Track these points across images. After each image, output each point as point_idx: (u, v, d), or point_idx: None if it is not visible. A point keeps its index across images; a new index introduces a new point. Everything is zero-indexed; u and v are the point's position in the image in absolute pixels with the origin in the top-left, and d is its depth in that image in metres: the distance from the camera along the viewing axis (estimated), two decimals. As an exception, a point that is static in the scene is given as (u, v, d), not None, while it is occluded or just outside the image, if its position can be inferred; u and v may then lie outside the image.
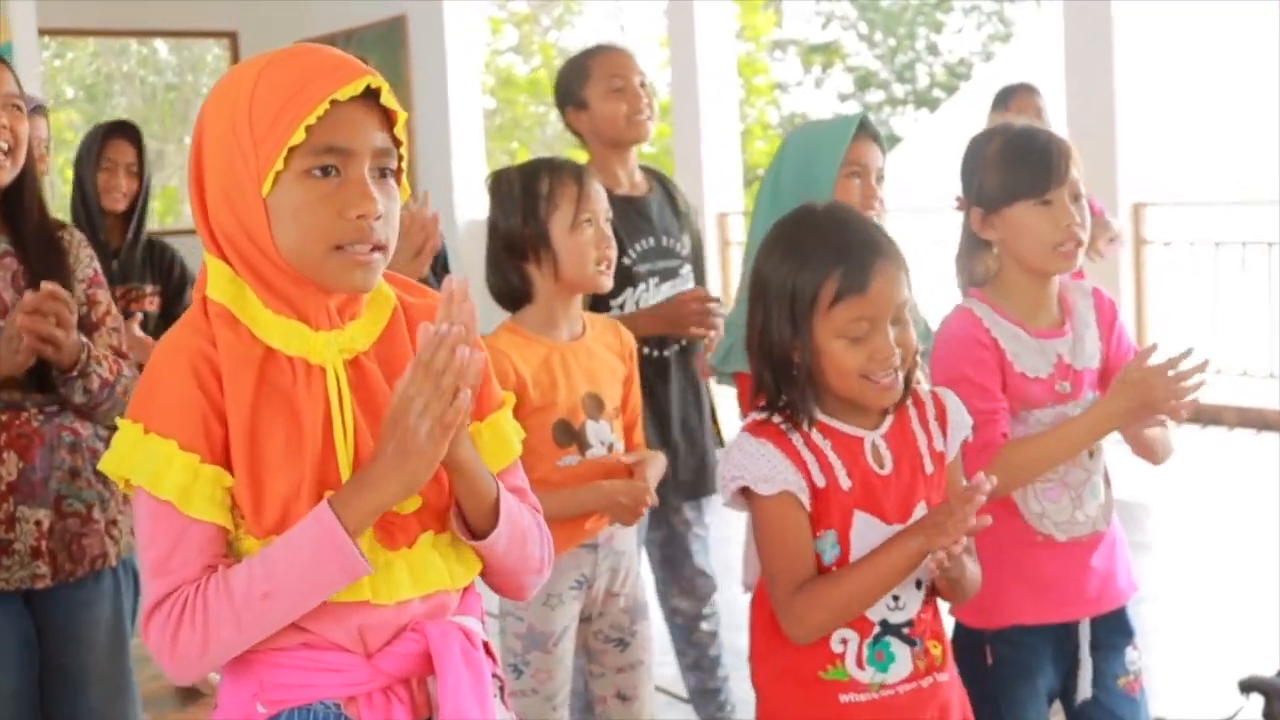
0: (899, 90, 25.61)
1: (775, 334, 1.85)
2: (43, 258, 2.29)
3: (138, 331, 3.22)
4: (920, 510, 1.88)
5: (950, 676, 1.93)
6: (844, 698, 1.85)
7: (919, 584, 1.89)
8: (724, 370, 2.83)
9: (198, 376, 1.44)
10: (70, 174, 3.99)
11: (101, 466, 1.47)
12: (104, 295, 2.39)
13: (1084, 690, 2.25)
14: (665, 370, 3.06)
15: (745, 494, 1.89)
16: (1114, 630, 2.28)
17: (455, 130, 10.70)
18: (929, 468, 1.92)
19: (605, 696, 2.58)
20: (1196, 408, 2.14)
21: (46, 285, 2.17)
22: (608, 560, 2.51)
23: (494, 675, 1.57)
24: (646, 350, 3.02)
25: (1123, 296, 7.04)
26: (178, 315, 3.90)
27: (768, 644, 1.93)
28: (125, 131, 3.94)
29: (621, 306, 2.98)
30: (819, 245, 1.84)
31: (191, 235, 1.52)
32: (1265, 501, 5.46)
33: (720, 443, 3.17)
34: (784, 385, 1.87)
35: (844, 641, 1.86)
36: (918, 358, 1.93)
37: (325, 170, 1.43)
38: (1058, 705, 2.31)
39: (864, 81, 25.54)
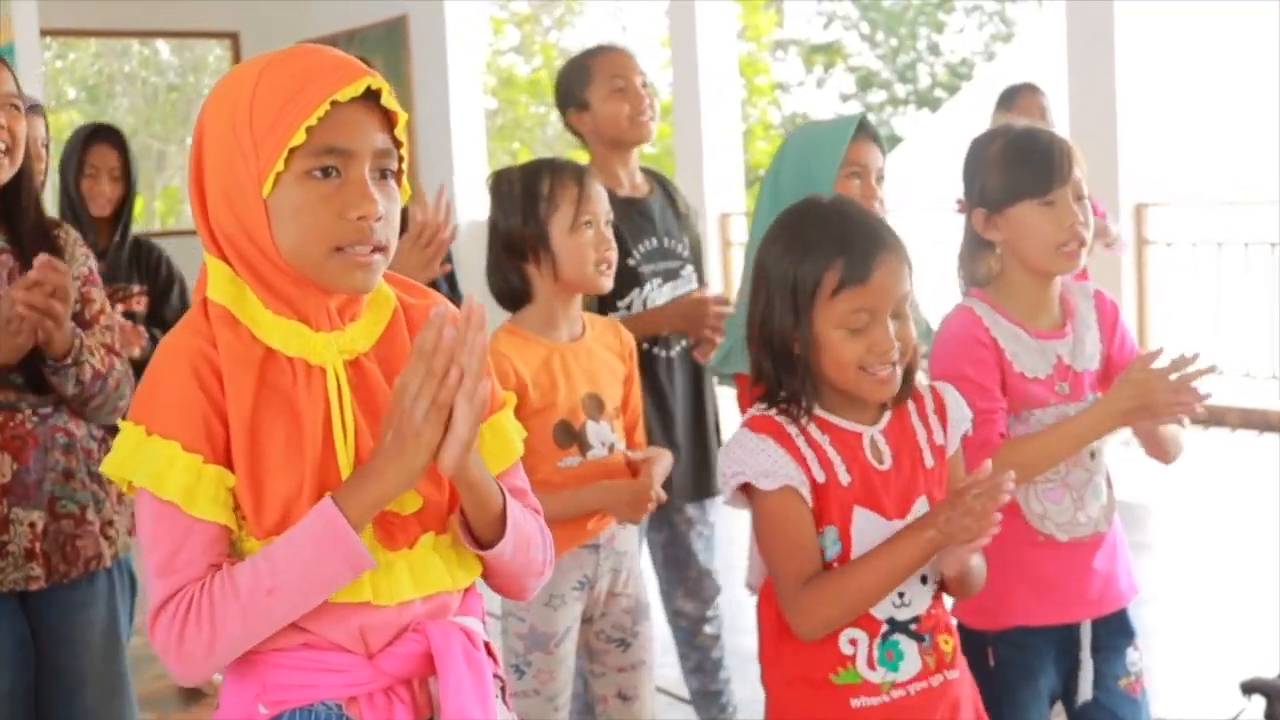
0: (900, 90, 25.61)
1: (776, 323, 1.85)
2: (38, 255, 2.30)
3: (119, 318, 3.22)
4: (920, 505, 1.88)
5: (961, 674, 1.92)
6: (855, 702, 1.84)
7: (924, 579, 1.88)
8: (724, 371, 2.83)
9: (199, 377, 1.44)
10: (135, 167, 3.98)
11: (103, 469, 1.47)
12: (98, 294, 2.40)
13: (1085, 692, 2.25)
14: (670, 370, 3.06)
15: (746, 492, 1.88)
16: (1115, 631, 2.28)
17: (456, 131, 10.70)
18: (929, 462, 1.91)
19: (606, 696, 2.58)
20: (1200, 411, 2.13)
21: (41, 258, 2.17)
22: (609, 560, 2.50)
23: (495, 676, 1.57)
24: (656, 350, 3.02)
25: (1125, 297, 7.03)
26: (165, 314, 3.92)
27: (777, 647, 1.92)
28: (107, 136, 3.92)
29: (629, 307, 2.98)
30: (823, 235, 1.84)
31: (193, 236, 1.52)
32: (1267, 503, 5.46)
33: (719, 443, 3.17)
34: (784, 375, 1.87)
35: (853, 643, 1.85)
36: (918, 355, 1.93)
37: (325, 171, 1.43)
38: (1058, 706, 2.31)
39: (865, 81, 25.54)
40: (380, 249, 1.46)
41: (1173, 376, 2.08)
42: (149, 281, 3.89)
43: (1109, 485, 2.30)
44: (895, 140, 20.40)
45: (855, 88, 25.59)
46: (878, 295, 1.82)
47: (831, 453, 1.86)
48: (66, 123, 15.46)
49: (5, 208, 2.34)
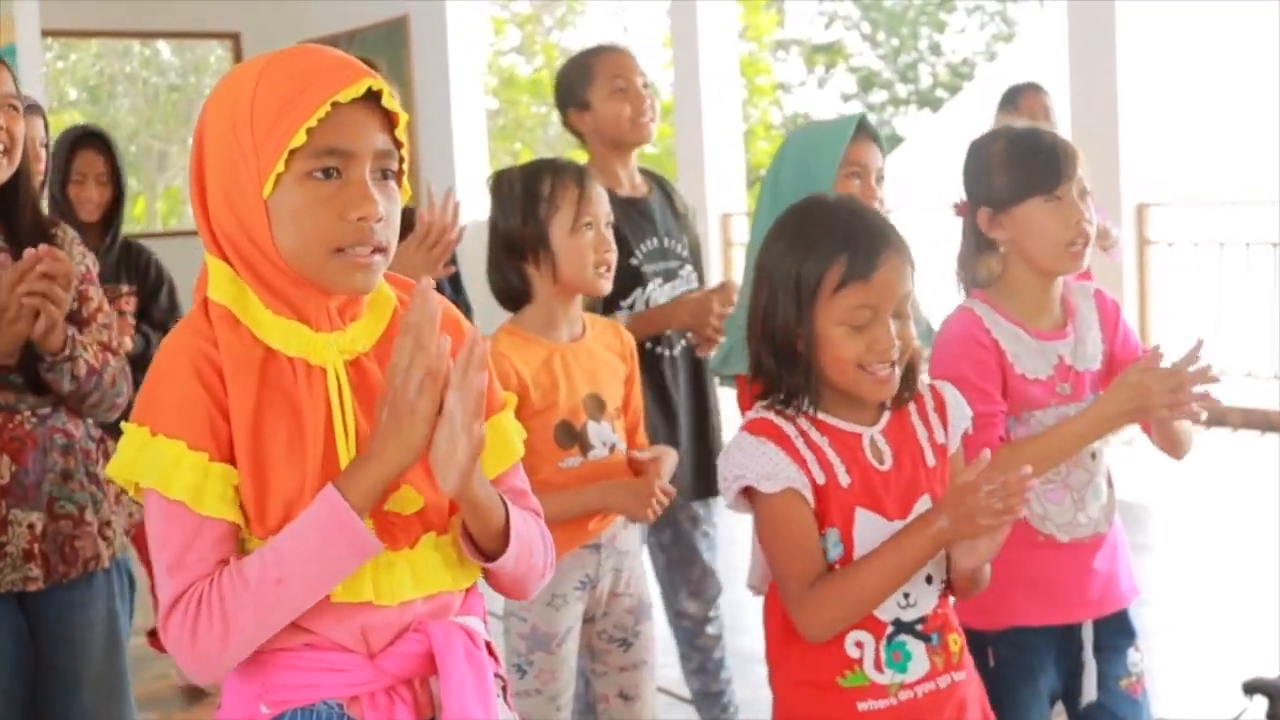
0: (902, 90, 25.61)
1: (779, 318, 1.85)
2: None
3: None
4: (922, 505, 1.87)
5: (968, 674, 1.92)
6: (862, 705, 1.84)
7: (929, 579, 1.88)
8: (724, 372, 2.83)
9: (201, 376, 1.44)
10: (123, 170, 3.98)
11: (109, 472, 1.47)
12: (95, 292, 2.40)
13: (1089, 693, 2.24)
14: (673, 369, 3.06)
15: (748, 495, 1.88)
16: (1116, 632, 2.28)
17: (458, 131, 10.71)
18: (931, 461, 1.91)
19: (608, 695, 2.58)
20: (1201, 411, 2.13)
21: (41, 247, 2.17)
22: (611, 560, 2.51)
23: (496, 675, 1.57)
24: (659, 350, 3.02)
25: (1126, 297, 7.03)
26: (153, 315, 3.92)
27: (783, 649, 1.91)
28: (93, 141, 3.91)
29: (631, 307, 2.98)
30: (827, 232, 1.84)
31: (194, 236, 1.52)
32: (1269, 503, 5.45)
33: (722, 442, 3.17)
34: (785, 372, 1.87)
35: (859, 645, 1.84)
36: (919, 356, 1.93)
37: (326, 172, 1.43)
38: (1058, 705, 2.31)
39: (867, 81, 25.54)
40: (380, 250, 1.47)
41: (1171, 380, 2.08)
42: (138, 283, 3.89)
43: (1110, 486, 2.30)
44: (897, 140, 20.40)
45: (856, 88, 25.59)
46: (880, 292, 1.82)
47: (831, 454, 1.86)
48: (68, 123, 15.46)
49: (3, 207, 2.34)
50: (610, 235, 2.49)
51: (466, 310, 2.99)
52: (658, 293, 3.04)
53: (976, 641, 2.17)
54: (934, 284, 2.59)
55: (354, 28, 11.33)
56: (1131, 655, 2.29)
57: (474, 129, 10.90)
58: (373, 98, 1.45)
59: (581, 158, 2.99)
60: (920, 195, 9.68)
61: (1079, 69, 7.39)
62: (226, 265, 1.48)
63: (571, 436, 2.42)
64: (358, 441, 1.47)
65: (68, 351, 2.23)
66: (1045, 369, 2.23)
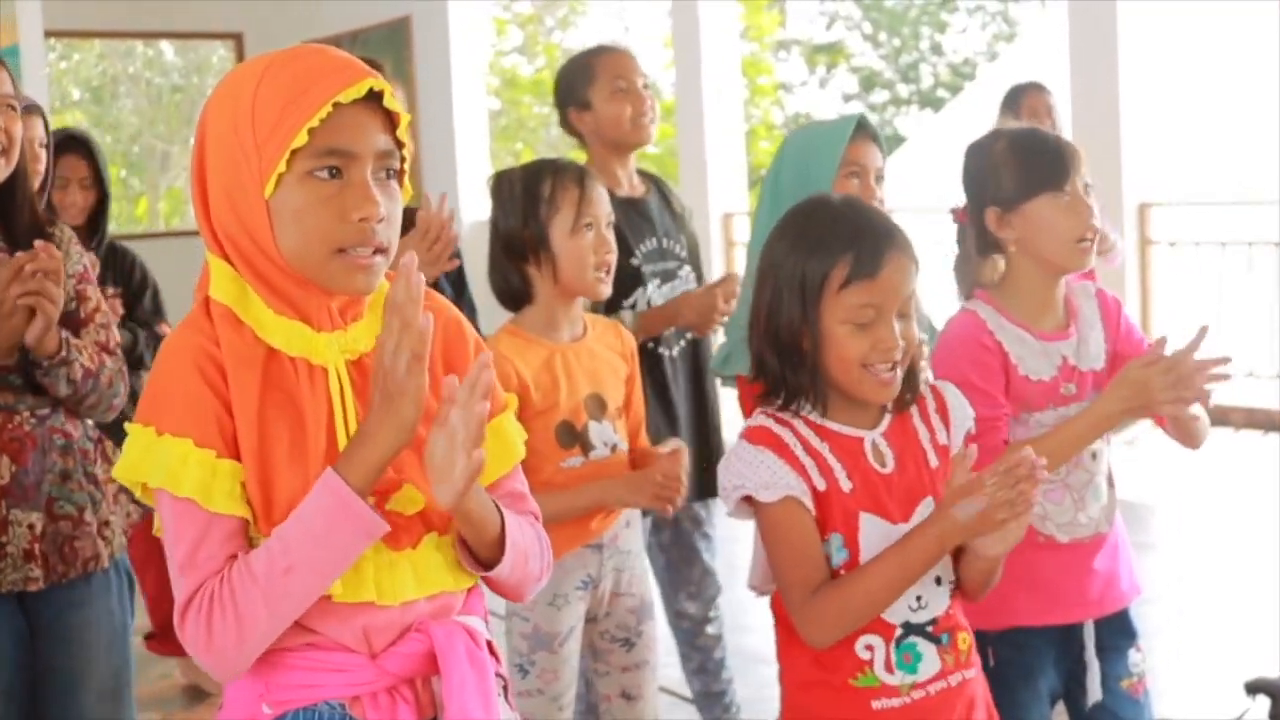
0: (903, 90, 25.60)
1: (783, 316, 1.85)
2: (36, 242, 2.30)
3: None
4: (925, 507, 1.86)
5: (976, 672, 1.92)
6: (876, 704, 1.83)
7: (939, 580, 1.87)
8: (724, 373, 2.83)
9: (204, 374, 1.44)
10: (106, 173, 3.98)
11: (115, 474, 1.47)
12: (93, 291, 2.40)
13: (1094, 693, 2.24)
14: (674, 369, 3.07)
15: (749, 501, 1.88)
16: (1117, 632, 2.28)
17: (460, 131, 10.71)
18: (933, 462, 1.90)
19: (610, 695, 2.58)
20: (1207, 403, 2.13)
21: (37, 244, 2.17)
22: (613, 560, 2.51)
23: (497, 675, 1.57)
24: (661, 350, 3.03)
25: (1128, 297, 7.03)
26: (138, 316, 3.92)
27: (793, 651, 1.90)
28: (75, 146, 3.91)
29: (633, 306, 2.98)
30: (834, 230, 1.84)
31: (197, 236, 1.53)
32: (1271, 502, 5.45)
33: (722, 442, 3.17)
34: (788, 371, 1.87)
35: (869, 648, 1.84)
36: (920, 356, 1.92)
37: (328, 172, 1.44)
38: (1059, 705, 2.31)
39: (868, 82, 25.53)
40: (382, 250, 1.47)
41: (1173, 373, 2.08)
42: (123, 284, 3.90)
43: (1110, 486, 2.30)
44: (898, 140, 20.40)
45: (858, 88, 25.58)
46: (885, 291, 1.81)
47: (831, 460, 1.85)
48: (71, 123, 15.47)
49: (1, 207, 2.34)
50: (611, 236, 2.49)
51: (471, 310, 2.98)
52: (656, 293, 3.04)
53: (977, 641, 2.17)
54: (935, 283, 2.60)
55: (356, 28, 11.34)
56: (1133, 655, 2.29)
57: (476, 129, 10.90)
58: (374, 98, 1.45)
59: (581, 158, 2.99)
60: (921, 195, 9.67)
61: (1080, 69, 7.39)
62: (228, 265, 1.49)
63: (573, 437, 2.42)
64: (360, 442, 1.48)
65: (63, 354, 2.24)
66: (1049, 370, 2.23)
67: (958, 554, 1.86)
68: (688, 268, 3.14)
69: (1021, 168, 2.22)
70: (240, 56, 11.96)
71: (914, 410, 1.93)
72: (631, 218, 3.01)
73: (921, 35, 25.41)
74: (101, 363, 2.32)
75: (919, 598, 1.85)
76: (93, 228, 3.90)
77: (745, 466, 1.85)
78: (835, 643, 1.84)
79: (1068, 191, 2.20)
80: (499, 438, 1.57)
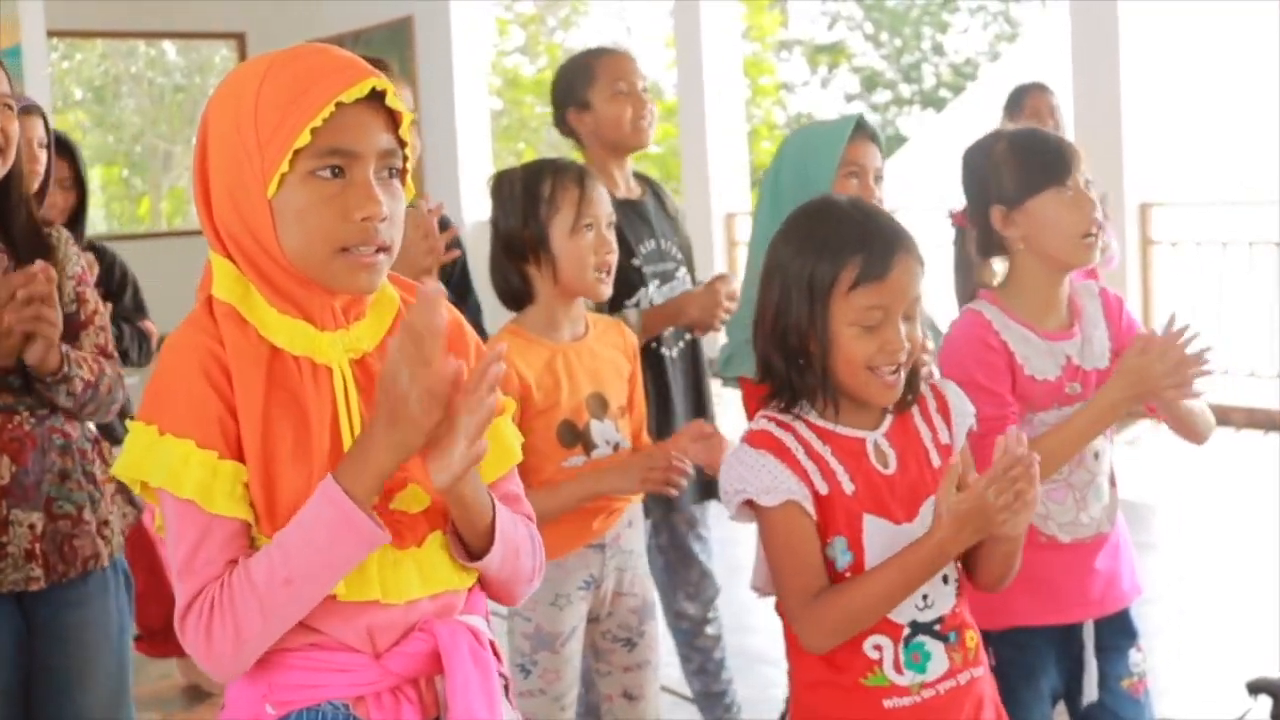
0: (905, 90, 25.60)
1: (791, 317, 1.84)
2: (32, 255, 2.30)
3: None
4: (929, 506, 1.86)
5: (984, 670, 1.92)
6: (887, 703, 1.83)
7: (946, 579, 1.87)
8: (727, 375, 2.83)
9: (208, 375, 1.44)
10: (85, 175, 3.99)
11: (115, 472, 1.47)
12: (92, 294, 2.40)
13: (1090, 693, 2.24)
14: (674, 369, 3.07)
15: (750, 505, 1.87)
16: (1118, 632, 2.28)
17: (461, 131, 10.72)
18: (935, 461, 1.90)
19: (612, 695, 2.58)
20: (1203, 390, 2.14)
21: (37, 264, 2.17)
22: (615, 560, 2.51)
23: (499, 674, 1.57)
24: (662, 350, 3.03)
25: (1129, 297, 7.03)
26: (121, 313, 3.92)
27: (802, 651, 1.89)
28: (55, 146, 3.92)
29: (636, 306, 2.98)
30: (842, 232, 1.83)
31: (200, 235, 1.53)
32: (1272, 502, 5.45)
33: None
34: (794, 373, 1.86)
35: (877, 648, 1.84)
36: (925, 356, 1.92)
37: (330, 172, 1.43)
38: (1061, 706, 2.31)
39: (870, 82, 25.53)
40: (384, 249, 1.47)
41: (1168, 356, 2.08)
42: (104, 284, 3.90)
43: (1112, 485, 2.30)
44: (900, 140, 20.40)
45: (860, 88, 25.58)
46: (893, 293, 1.81)
47: (834, 463, 1.85)
48: (73, 123, 15.50)
49: None
50: (612, 236, 2.49)
51: (476, 311, 2.99)
52: (655, 294, 3.04)
53: (979, 641, 2.17)
54: (937, 284, 2.60)
55: (359, 28, 11.34)
56: (1133, 655, 2.29)
57: (478, 129, 10.91)
58: (377, 97, 1.45)
59: (579, 159, 2.99)
60: (923, 195, 9.68)
61: (1082, 69, 7.40)
62: (231, 264, 1.48)
63: (574, 436, 2.42)
64: (363, 441, 1.48)
65: (64, 371, 2.24)
66: (1054, 370, 2.23)
67: (973, 547, 1.85)
68: (684, 269, 3.14)
69: (1024, 165, 2.23)
70: (242, 56, 11.98)
71: (915, 410, 1.93)
72: (631, 219, 3.01)
73: (923, 35, 25.41)
74: (101, 371, 2.32)
75: (925, 596, 1.85)
76: (72, 228, 3.90)
77: (746, 470, 1.85)
78: (831, 649, 1.84)
79: (1070, 187, 2.21)
80: (496, 440, 1.56)
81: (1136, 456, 5.69)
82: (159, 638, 3.80)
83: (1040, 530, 2.21)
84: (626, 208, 3.00)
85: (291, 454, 1.44)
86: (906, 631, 1.84)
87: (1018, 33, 23.82)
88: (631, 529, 2.54)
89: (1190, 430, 2.26)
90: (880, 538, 1.83)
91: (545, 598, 2.43)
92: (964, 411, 1.95)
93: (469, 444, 1.40)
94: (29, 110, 3.41)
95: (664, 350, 3.05)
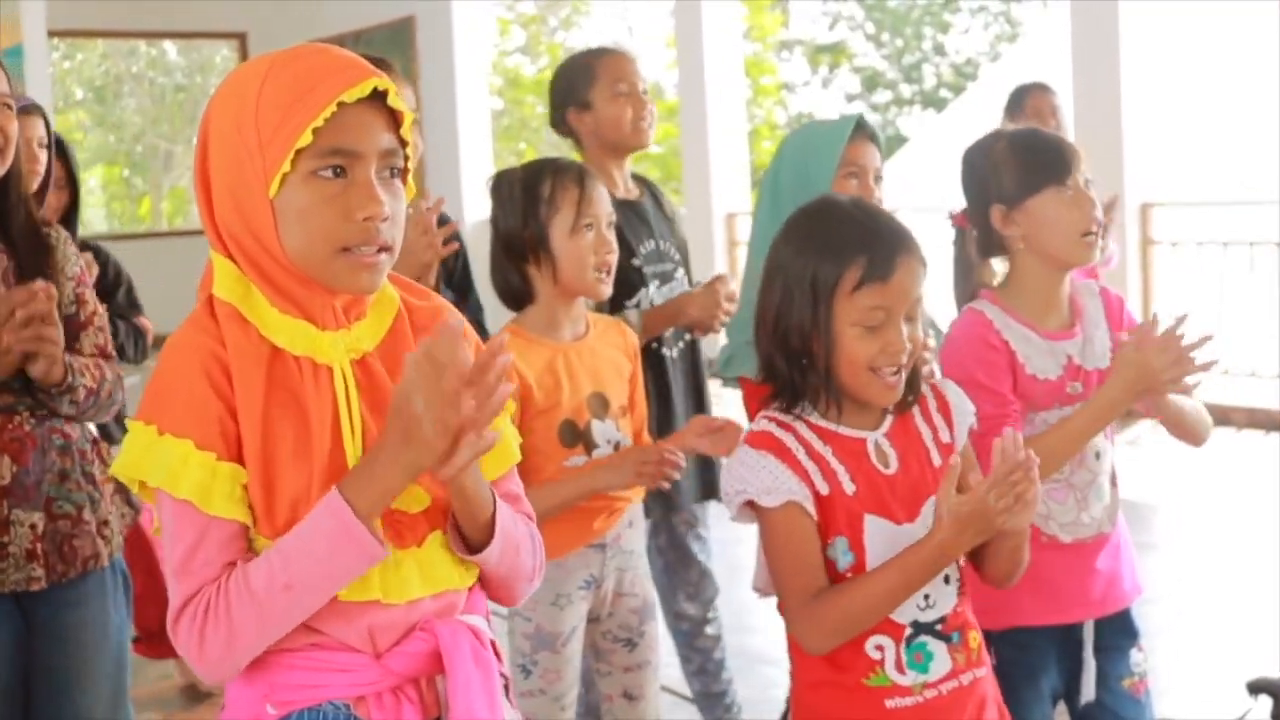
0: (906, 90, 25.60)
1: (794, 318, 1.84)
2: (31, 254, 2.30)
3: None
4: (930, 506, 1.85)
5: (987, 671, 1.92)
6: (889, 703, 1.83)
7: (947, 579, 1.87)
8: (727, 375, 2.83)
9: (209, 376, 1.44)
10: (78, 174, 4.00)
11: (114, 471, 1.47)
12: (90, 294, 2.40)
13: (1087, 692, 2.25)
14: (674, 369, 3.07)
15: (751, 506, 1.87)
16: (1119, 631, 2.28)
17: (463, 131, 10.73)
18: (936, 460, 1.90)
19: (612, 695, 2.59)
20: (1199, 380, 2.14)
21: (20, 293, 2.18)
22: (615, 560, 2.51)
23: (499, 674, 1.57)
24: (664, 350, 3.03)
25: (1130, 297, 7.03)
26: (116, 310, 3.92)
27: (804, 652, 1.90)
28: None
29: (637, 306, 2.98)
30: (845, 232, 1.84)
31: (201, 235, 1.53)
32: (1272, 502, 5.45)
33: None
34: (797, 373, 1.86)
35: (879, 648, 1.84)
36: (927, 354, 1.92)
37: (332, 171, 1.43)
38: (1062, 706, 2.31)
39: (871, 82, 25.53)
40: (386, 249, 1.47)
41: (1167, 347, 2.09)
42: (98, 283, 3.90)
43: (1114, 485, 2.30)
44: (901, 141, 20.40)
45: (860, 88, 25.58)
46: (896, 294, 1.81)
47: (835, 463, 1.85)
48: (74, 123, 15.51)
49: None
50: (612, 236, 2.49)
51: (477, 311, 2.99)
52: (655, 294, 3.04)
53: (979, 641, 2.17)
54: (938, 283, 2.60)
55: (360, 28, 11.35)
56: (1134, 655, 2.29)
57: (479, 129, 10.91)
58: (378, 97, 1.45)
59: (577, 159, 2.98)
60: (924, 195, 9.68)
61: (1082, 69, 7.40)
62: (232, 263, 1.48)
63: (575, 436, 2.42)
64: (364, 440, 1.48)
65: (69, 382, 2.24)
66: (1055, 369, 2.23)
67: (979, 545, 1.84)
68: (682, 270, 3.14)
69: (1023, 164, 2.23)
70: (244, 56, 11.99)
71: (915, 410, 1.93)
72: (630, 219, 3.01)
73: (924, 35, 25.42)
74: (102, 376, 2.33)
75: (927, 596, 1.85)
76: (65, 226, 3.90)
77: (747, 471, 1.85)
78: (829, 650, 1.84)
79: (1070, 185, 2.21)
80: (497, 441, 1.57)
81: (1137, 457, 5.69)
82: (157, 639, 3.79)
83: (1041, 530, 2.21)
84: (626, 208, 3.00)
85: (292, 454, 1.44)
86: (908, 631, 1.84)
87: (1018, 33, 23.83)
88: (632, 529, 2.54)
89: (1187, 432, 2.26)
90: (881, 538, 1.83)
91: (546, 598, 2.43)
92: (965, 410, 1.95)
93: (477, 434, 1.40)
94: (30, 110, 3.41)
95: (664, 350, 3.05)
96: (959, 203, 2.37)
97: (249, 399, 1.44)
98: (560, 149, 3.18)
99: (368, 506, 1.41)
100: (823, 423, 1.88)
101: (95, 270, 3.66)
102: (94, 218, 16.18)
